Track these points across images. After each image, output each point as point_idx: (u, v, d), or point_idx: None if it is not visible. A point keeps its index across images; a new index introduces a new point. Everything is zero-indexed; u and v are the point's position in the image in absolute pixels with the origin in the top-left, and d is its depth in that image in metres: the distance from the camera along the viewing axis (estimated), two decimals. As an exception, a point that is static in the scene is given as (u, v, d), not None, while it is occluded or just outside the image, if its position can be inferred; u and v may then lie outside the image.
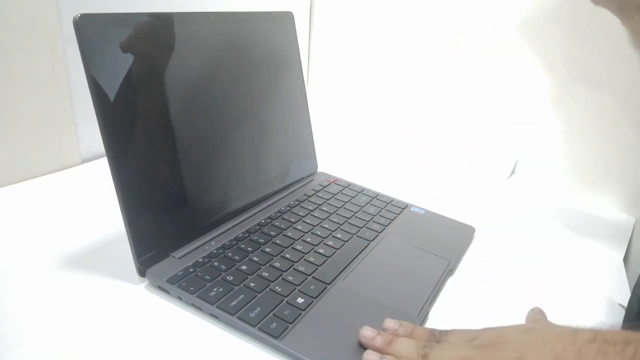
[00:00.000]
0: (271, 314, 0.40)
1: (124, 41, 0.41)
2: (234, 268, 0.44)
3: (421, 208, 0.62)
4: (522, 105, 0.78)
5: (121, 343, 0.37)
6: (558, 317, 0.40)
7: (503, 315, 0.38)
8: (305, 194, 0.61)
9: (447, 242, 0.55)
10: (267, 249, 0.48)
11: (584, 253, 0.58)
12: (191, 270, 0.43)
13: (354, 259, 0.49)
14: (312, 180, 0.66)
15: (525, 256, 0.56)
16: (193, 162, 0.48)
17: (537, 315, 0.43)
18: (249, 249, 0.48)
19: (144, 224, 0.43)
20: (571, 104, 0.74)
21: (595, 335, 0.32)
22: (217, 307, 0.40)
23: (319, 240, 0.51)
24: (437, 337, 0.38)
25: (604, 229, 0.66)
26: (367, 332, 0.37)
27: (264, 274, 0.44)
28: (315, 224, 0.54)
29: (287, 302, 0.41)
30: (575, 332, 0.33)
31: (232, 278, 0.43)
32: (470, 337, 0.36)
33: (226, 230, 0.50)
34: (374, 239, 0.53)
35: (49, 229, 0.51)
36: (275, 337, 0.37)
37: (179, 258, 0.45)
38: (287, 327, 0.38)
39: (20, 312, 0.39)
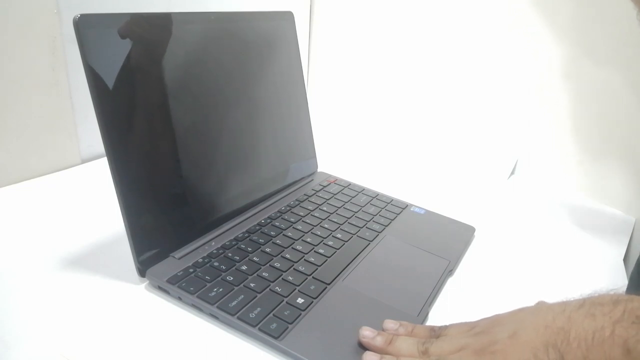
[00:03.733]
0: (271, 314, 0.40)
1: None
2: (234, 268, 0.44)
3: (421, 208, 0.62)
4: (522, 105, 0.78)
5: (121, 343, 0.37)
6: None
7: (503, 316, 0.38)
8: (305, 194, 0.61)
9: (447, 242, 0.55)
10: (267, 249, 0.48)
11: (584, 253, 0.58)
12: (191, 270, 0.43)
13: (354, 259, 0.49)
14: (312, 180, 0.66)
15: (525, 256, 0.56)
16: (193, 162, 0.48)
17: None
18: (249, 249, 0.48)
19: (144, 224, 0.43)
20: (571, 105, 0.74)
21: (584, 301, 0.32)
22: (217, 307, 0.40)
23: (319, 240, 0.51)
24: (437, 332, 0.38)
25: (604, 228, 0.66)
26: (367, 333, 0.38)
27: (264, 274, 0.44)
28: (315, 224, 0.54)
29: (287, 302, 0.41)
30: (565, 301, 0.34)
31: (232, 278, 0.43)
32: (469, 328, 0.36)
33: (226, 231, 0.50)
34: (374, 239, 0.53)
35: (49, 229, 0.51)
36: (275, 338, 0.37)
37: (179, 258, 0.45)
38: (287, 328, 0.38)
39: (21, 312, 0.39)
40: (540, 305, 0.36)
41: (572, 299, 0.34)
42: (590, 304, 0.32)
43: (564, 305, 0.33)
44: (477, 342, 0.34)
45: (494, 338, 0.33)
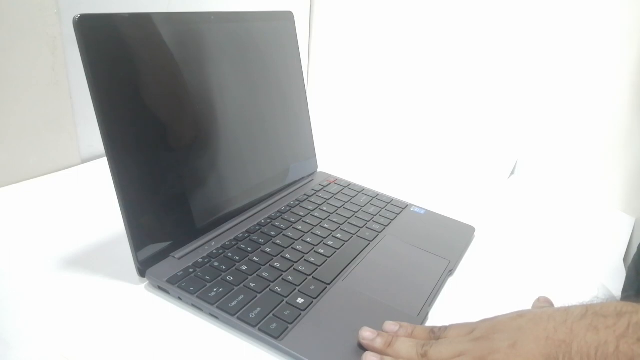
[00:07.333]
0: (271, 315, 0.40)
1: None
2: (234, 268, 0.44)
3: (421, 208, 0.62)
4: (522, 105, 0.78)
5: (121, 343, 0.37)
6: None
7: (503, 316, 0.38)
8: (305, 194, 0.61)
9: (447, 242, 0.55)
10: (267, 249, 0.48)
11: (584, 253, 0.58)
12: (191, 270, 0.43)
13: (353, 259, 0.49)
14: (312, 180, 0.66)
15: (525, 256, 0.56)
16: (193, 162, 0.48)
17: (542, 305, 0.43)
18: (249, 249, 0.48)
19: (144, 224, 0.43)
20: (571, 104, 0.74)
21: (586, 310, 0.31)
22: (217, 307, 0.40)
23: (319, 240, 0.51)
24: (437, 334, 0.38)
25: (604, 229, 0.66)
26: (366, 334, 0.37)
27: (264, 274, 0.44)
28: (315, 224, 0.54)
29: (287, 302, 0.41)
30: (567, 310, 0.32)
31: (232, 278, 0.43)
32: (468, 331, 0.36)
33: (226, 231, 0.50)
34: (374, 239, 0.53)
35: (49, 229, 0.51)
36: (275, 338, 0.37)
37: (179, 258, 0.45)
38: (287, 328, 0.38)
39: (21, 312, 0.39)
40: (542, 311, 0.35)
41: (574, 306, 0.33)
42: (593, 315, 0.31)
43: (565, 314, 0.32)
44: (476, 348, 0.34)
45: (494, 346, 0.33)
